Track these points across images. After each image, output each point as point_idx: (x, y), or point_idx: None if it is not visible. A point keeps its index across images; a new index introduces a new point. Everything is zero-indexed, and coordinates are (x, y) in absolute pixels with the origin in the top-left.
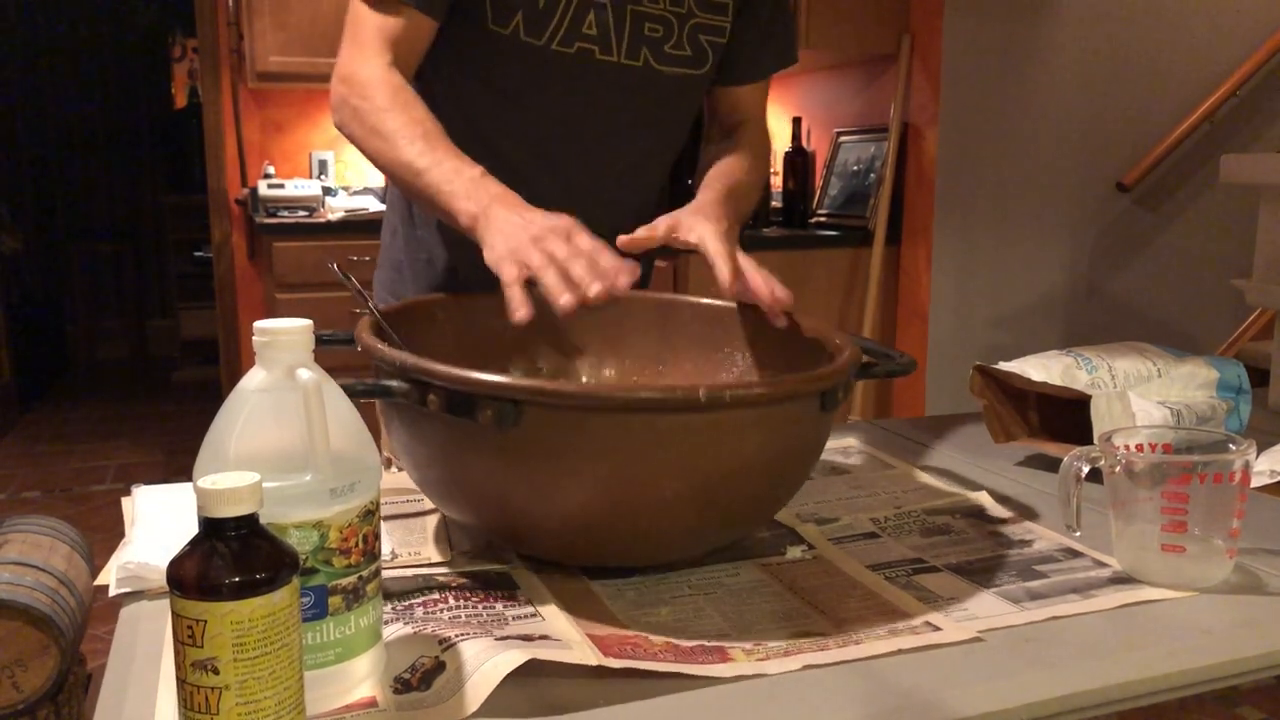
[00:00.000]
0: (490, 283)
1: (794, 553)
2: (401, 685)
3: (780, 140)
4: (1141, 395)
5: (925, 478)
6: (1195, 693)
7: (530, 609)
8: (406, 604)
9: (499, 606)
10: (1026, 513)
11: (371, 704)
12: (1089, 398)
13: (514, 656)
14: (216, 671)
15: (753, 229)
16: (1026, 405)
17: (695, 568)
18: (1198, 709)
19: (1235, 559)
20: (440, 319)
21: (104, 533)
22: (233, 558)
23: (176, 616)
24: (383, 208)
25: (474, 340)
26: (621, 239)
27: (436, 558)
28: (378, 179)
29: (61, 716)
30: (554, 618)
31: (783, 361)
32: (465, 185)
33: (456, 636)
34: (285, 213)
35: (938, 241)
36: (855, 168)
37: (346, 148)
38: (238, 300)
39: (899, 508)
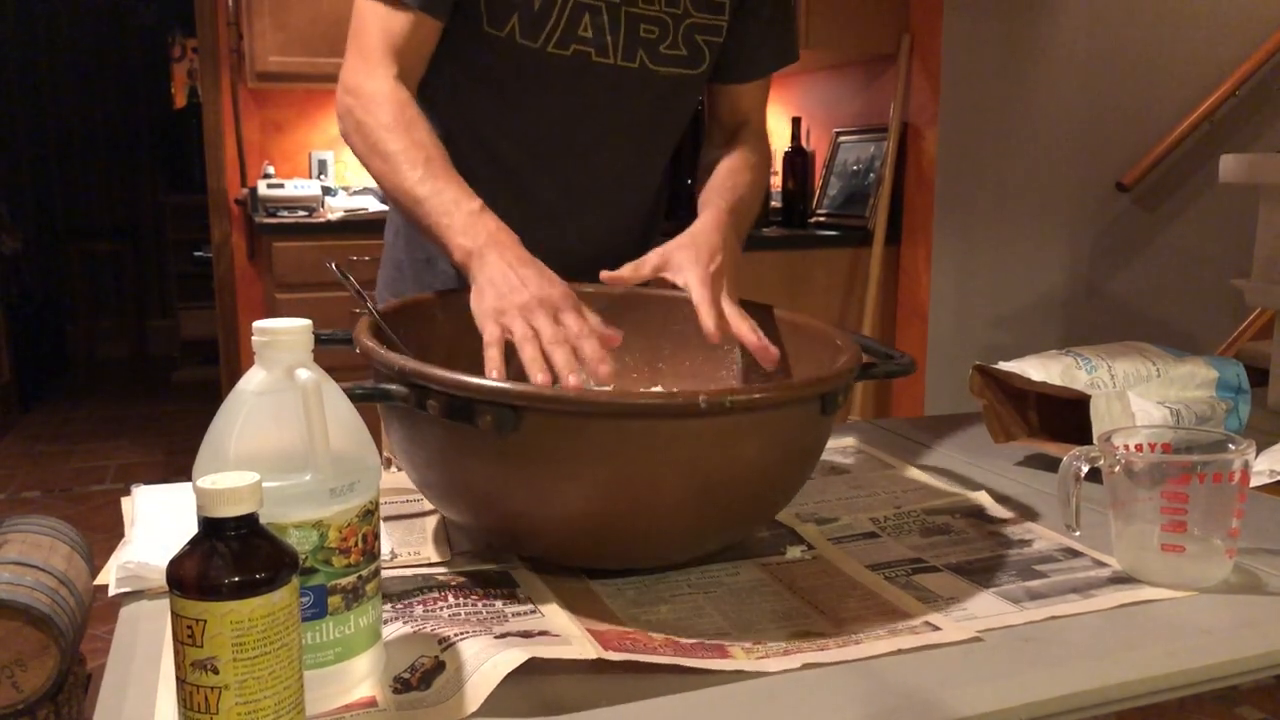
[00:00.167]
0: None
1: (794, 552)
2: (401, 685)
3: (780, 140)
4: (1141, 395)
5: (925, 478)
6: (1195, 693)
7: (530, 606)
8: (406, 603)
9: (498, 604)
10: (1026, 513)
11: (371, 704)
12: (1089, 398)
13: (514, 656)
14: (216, 671)
15: (753, 229)
16: (1026, 405)
17: (695, 567)
18: (1197, 709)
19: (1235, 559)
20: (440, 319)
21: (104, 533)
22: (232, 557)
23: (176, 616)
24: (382, 208)
25: (474, 340)
26: (605, 275)
27: (436, 558)
28: None
29: (61, 716)
30: (554, 614)
31: (782, 359)
32: (463, 219)
33: (456, 636)
34: (285, 213)
35: (937, 241)
36: (855, 167)
37: (346, 148)
38: (237, 300)
39: (899, 507)
